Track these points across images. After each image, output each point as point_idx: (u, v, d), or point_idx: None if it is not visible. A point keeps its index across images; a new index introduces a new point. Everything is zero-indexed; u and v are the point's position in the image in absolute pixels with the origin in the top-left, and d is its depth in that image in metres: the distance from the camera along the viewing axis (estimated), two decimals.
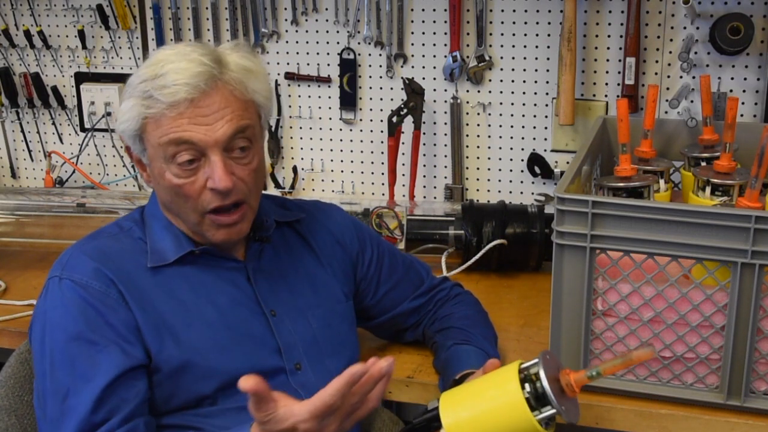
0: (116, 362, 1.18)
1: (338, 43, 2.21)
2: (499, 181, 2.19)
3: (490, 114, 2.16)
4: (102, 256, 1.25)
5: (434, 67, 2.16)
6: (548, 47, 2.06)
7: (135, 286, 1.24)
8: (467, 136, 2.19)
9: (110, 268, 1.24)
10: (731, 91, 1.95)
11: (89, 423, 1.15)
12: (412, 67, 2.18)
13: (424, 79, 2.16)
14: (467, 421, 1.11)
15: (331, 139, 2.30)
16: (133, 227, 1.33)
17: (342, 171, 2.32)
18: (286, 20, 2.24)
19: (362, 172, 2.30)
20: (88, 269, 1.23)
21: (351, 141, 2.28)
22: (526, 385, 1.10)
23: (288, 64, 2.26)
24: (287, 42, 2.25)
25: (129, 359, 1.19)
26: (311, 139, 2.31)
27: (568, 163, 2.08)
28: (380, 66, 2.20)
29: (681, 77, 1.98)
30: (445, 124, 2.19)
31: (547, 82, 2.09)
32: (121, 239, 1.31)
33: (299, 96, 2.28)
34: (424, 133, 2.19)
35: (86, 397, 1.15)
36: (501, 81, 2.12)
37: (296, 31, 2.24)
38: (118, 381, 1.17)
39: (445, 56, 2.14)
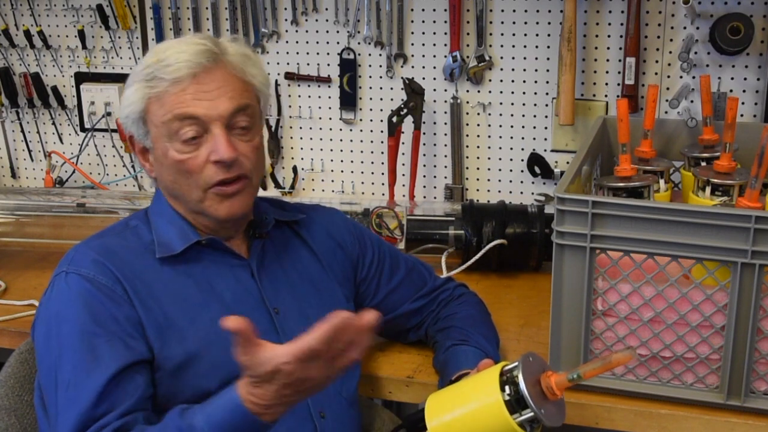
0: (119, 355, 1.18)
1: (338, 43, 2.21)
2: (499, 181, 2.19)
3: (490, 114, 2.16)
4: (108, 253, 1.26)
5: (434, 67, 2.16)
6: (548, 47, 2.06)
7: (140, 283, 1.25)
8: (467, 136, 2.19)
9: (116, 264, 1.25)
10: (731, 91, 1.95)
11: (90, 415, 1.15)
12: (412, 67, 2.18)
13: (424, 79, 2.16)
14: (450, 424, 1.13)
15: (331, 139, 2.30)
16: (139, 225, 1.34)
17: (342, 171, 2.32)
18: (286, 20, 2.24)
19: (362, 172, 2.30)
20: (95, 265, 1.24)
21: (351, 141, 2.28)
22: (507, 388, 1.10)
23: (288, 64, 2.26)
24: (287, 42, 2.25)
25: (132, 353, 1.20)
26: (311, 139, 2.31)
27: (568, 163, 2.08)
28: (380, 66, 2.20)
29: (681, 77, 1.98)
30: (445, 124, 2.19)
31: (547, 82, 2.09)
32: (127, 237, 1.32)
33: (299, 96, 2.28)
34: (424, 133, 2.19)
35: (88, 389, 1.15)
36: (501, 81, 2.12)
37: (296, 31, 2.24)
38: (122, 374, 1.17)
39: (445, 56, 2.14)
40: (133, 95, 1.28)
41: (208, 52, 1.26)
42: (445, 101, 2.17)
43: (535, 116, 2.12)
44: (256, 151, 1.31)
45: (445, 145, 2.21)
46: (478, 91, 2.15)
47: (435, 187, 2.24)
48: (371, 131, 2.26)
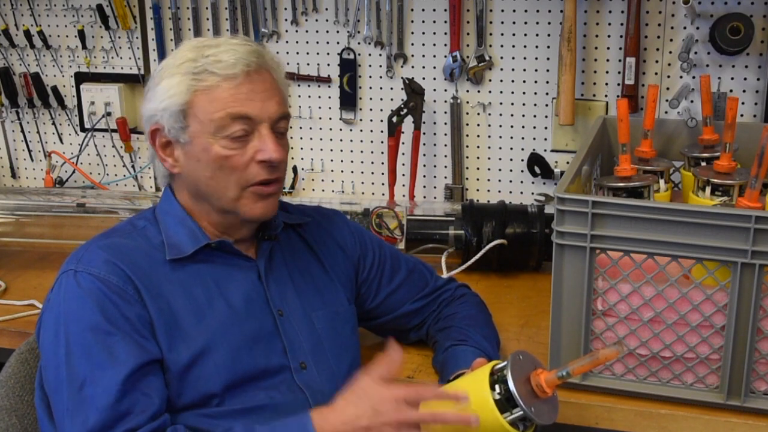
0: (133, 354, 1.18)
1: (338, 43, 2.21)
2: (499, 181, 2.19)
3: (490, 114, 2.16)
4: (117, 253, 1.26)
5: (434, 67, 2.16)
6: (548, 47, 2.06)
7: (150, 282, 1.25)
8: (467, 136, 2.19)
9: (126, 264, 1.24)
10: (731, 91, 1.95)
11: (113, 413, 1.14)
12: (412, 67, 2.18)
13: (424, 79, 2.16)
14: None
15: (331, 139, 2.30)
16: (147, 225, 1.34)
17: (342, 171, 2.32)
18: (286, 20, 2.24)
19: (362, 172, 2.30)
20: (105, 264, 1.23)
21: (351, 141, 2.28)
22: (497, 387, 1.11)
23: (288, 64, 2.26)
24: (287, 42, 2.25)
25: (145, 353, 1.19)
26: (311, 139, 2.31)
27: (568, 163, 2.08)
28: (380, 66, 2.20)
29: (681, 77, 1.98)
30: (445, 124, 2.19)
31: (547, 82, 2.09)
32: (135, 237, 1.31)
33: (299, 96, 2.28)
34: (424, 133, 2.19)
35: (106, 386, 1.15)
36: (501, 81, 2.12)
37: (296, 31, 2.24)
38: (138, 373, 1.17)
39: (445, 56, 2.14)
40: (175, 87, 1.26)
41: (256, 52, 1.29)
42: (445, 101, 2.17)
43: (535, 116, 2.12)
44: (286, 158, 1.34)
45: (445, 145, 2.21)
46: (478, 91, 2.15)
47: (435, 187, 2.24)
48: (371, 131, 2.26)
